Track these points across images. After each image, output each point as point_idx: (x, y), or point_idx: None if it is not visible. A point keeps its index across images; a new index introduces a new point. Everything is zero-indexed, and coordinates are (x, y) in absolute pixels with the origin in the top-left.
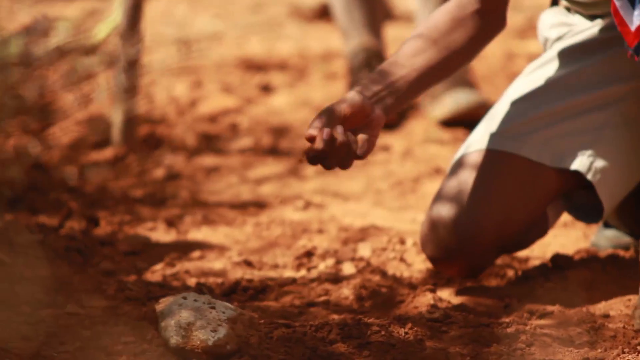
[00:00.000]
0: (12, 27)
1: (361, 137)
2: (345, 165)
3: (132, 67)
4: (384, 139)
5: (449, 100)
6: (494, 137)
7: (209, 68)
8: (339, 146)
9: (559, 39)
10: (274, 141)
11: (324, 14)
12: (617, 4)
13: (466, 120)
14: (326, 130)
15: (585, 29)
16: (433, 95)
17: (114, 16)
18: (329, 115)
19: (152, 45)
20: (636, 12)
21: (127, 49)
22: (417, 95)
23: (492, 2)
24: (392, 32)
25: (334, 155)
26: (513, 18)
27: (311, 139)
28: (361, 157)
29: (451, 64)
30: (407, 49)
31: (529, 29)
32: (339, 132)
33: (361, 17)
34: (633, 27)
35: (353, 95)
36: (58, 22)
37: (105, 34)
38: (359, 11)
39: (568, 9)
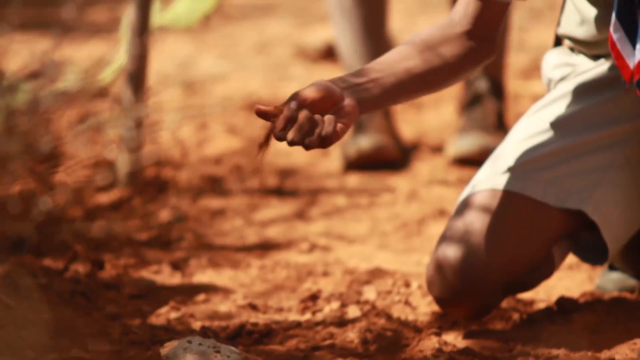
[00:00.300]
0: (19, 71)
1: (328, 117)
2: (310, 143)
3: (138, 109)
4: (389, 180)
5: (465, 140)
6: (498, 177)
7: (214, 109)
8: (302, 122)
9: (562, 79)
10: (279, 183)
11: (329, 54)
12: (614, 37)
13: (480, 161)
14: (288, 107)
15: (588, 69)
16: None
17: (120, 59)
18: (293, 98)
19: (157, 86)
20: (638, 47)
21: (133, 92)
22: (395, 100)
23: (482, 26)
24: None
25: (299, 130)
26: (517, 58)
27: (259, 113)
28: (325, 139)
29: (434, 77)
30: (392, 54)
31: (534, 70)
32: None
33: (368, 57)
34: (632, 63)
35: (321, 81)
36: (65, 66)
37: (112, 78)
38: (365, 53)
39: (572, 49)
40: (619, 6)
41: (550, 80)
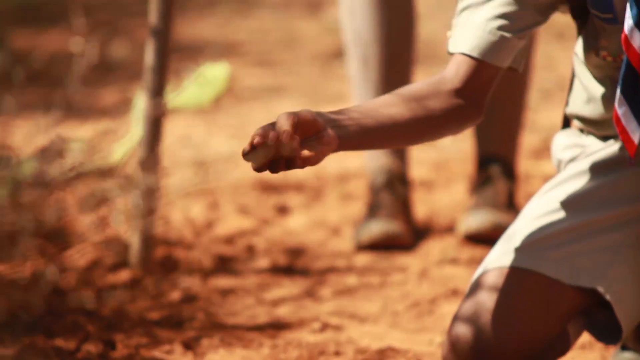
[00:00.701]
0: (27, 148)
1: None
2: (287, 164)
3: (150, 191)
4: (400, 259)
5: (476, 217)
6: (511, 255)
7: (225, 189)
8: (279, 141)
9: (572, 160)
10: (290, 262)
11: None
12: (619, 112)
13: (491, 239)
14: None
15: (598, 149)
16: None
17: (130, 137)
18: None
19: (169, 166)
20: None
21: (145, 174)
22: (374, 144)
23: (473, 87)
24: (411, 153)
25: (276, 150)
26: (528, 139)
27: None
28: (303, 161)
29: (416, 128)
30: (376, 101)
31: (544, 150)
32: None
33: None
34: (636, 138)
35: (305, 110)
36: (72, 143)
37: (121, 156)
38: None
39: (581, 131)
40: (623, 81)
41: (560, 162)
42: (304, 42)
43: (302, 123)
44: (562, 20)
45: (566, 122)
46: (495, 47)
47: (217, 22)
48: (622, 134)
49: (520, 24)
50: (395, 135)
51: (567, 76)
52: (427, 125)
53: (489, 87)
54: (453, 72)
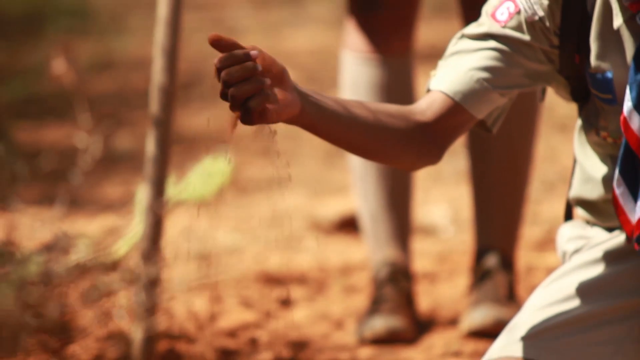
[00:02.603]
0: (32, 244)
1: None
2: (235, 94)
3: (153, 285)
4: (403, 353)
5: (478, 314)
6: (514, 345)
7: (228, 282)
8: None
9: (576, 251)
10: (293, 355)
11: (343, 226)
12: (617, 192)
13: (494, 333)
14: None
15: (602, 241)
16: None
17: (134, 233)
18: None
19: (172, 260)
20: (639, 203)
21: (148, 267)
22: (332, 132)
23: (440, 126)
24: (414, 246)
25: (238, 74)
26: (531, 231)
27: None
28: (260, 114)
29: (375, 135)
30: (348, 99)
31: (548, 242)
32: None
33: (389, 229)
34: (634, 219)
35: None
36: (78, 239)
37: (125, 251)
38: (387, 223)
39: (587, 222)
40: (622, 162)
41: (565, 253)
42: (307, 134)
43: (268, 60)
44: (564, 111)
45: (569, 213)
46: (475, 95)
47: (220, 113)
48: (619, 215)
49: (506, 81)
50: (351, 133)
51: (570, 168)
52: (385, 139)
53: (456, 132)
54: (425, 106)
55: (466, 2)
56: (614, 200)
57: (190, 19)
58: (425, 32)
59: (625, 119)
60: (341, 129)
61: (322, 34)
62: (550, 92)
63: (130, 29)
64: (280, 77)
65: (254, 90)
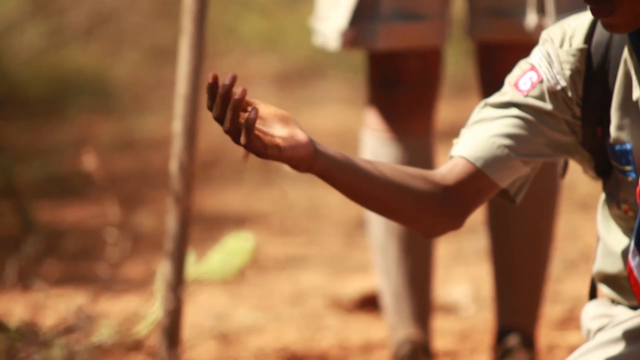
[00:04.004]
0: (54, 326)
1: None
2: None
3: None
4: None
5: None
6: None
7: None
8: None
9: (600, 329)
10: None
11: (364, 304)
12: (632, 263)
13: None
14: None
15: (626, 319)
16: None
17: (155, 313)
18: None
19: (192, 339)
20: None
21: (168, 345)
22: (347, 183)
23: (463, 190)
24: (435, 324)
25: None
26: (552, 309)
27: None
28: (265, 146)
29: (392, 193)
30: (365, 160)
31: (569, 320)
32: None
33: (410, 308)
34: None
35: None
36: (100, 320)
37: (147, 331)
38: (409, 301)
39: (612, 301)
40: (637, 233)
41: (589, 331)
42: (327, 212)
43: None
44: (585, 190)
45: (593, 291)
46: (496, 162)
47: (240, 192)
48: (634, 286)
49: (528, 149)
50: (368, 185)
51: (592, 246)
52: (403, 197)
53: (476, 199)
54: (446, 170)
55: (486, 81)
56: (629, 272)
57: None
58: (445, 111)
59: None
60: (358, 180)
61: (342, 113)
62: (572, 170)
63: (151, 108)
64: (283, 118)
65: (234, 124)
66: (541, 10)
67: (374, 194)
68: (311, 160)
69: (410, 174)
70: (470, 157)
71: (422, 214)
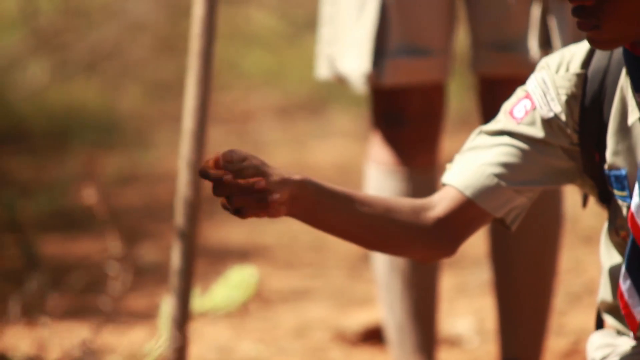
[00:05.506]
0: (57, 357)
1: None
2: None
3: None
4: None
5: None
6: None
7: None
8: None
9: (603, 359)
10: None
11: (368, 337)
12: (623, 287)
13: None
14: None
15: (626, 350)
16: None
17: (159, 347)
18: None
19: None
20: None
21: None
22: (335, 214)
23: (453, 220)
24: (439, 357)
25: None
26: (556, 342)
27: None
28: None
29: (381, 225)
30: (350, 190)
31: (574, 353)
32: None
33: (414, 342)
34: (638, 315)
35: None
36: (105, 354)
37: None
38: (413, 333)
39: (617, 331)
40: (629, 258)
41: None
42: (331, 245)
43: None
44: (588, 223)
45: (599, 322)
46: (486, 191)
47: (244, 225)
48: (624, 309)
49: (521, 177)
50: (356, 218)
51: (596, 279)
52: (393, 229)
53: (469, 227)
54: (437, 200)
55: (488, 114)
56: (619, 296)
57: (215, 132)
58: (449, 145)
59: (632, 214)
60: (345, 209)
61: (346, 146)
62: (574, 204)
63: (156, 142)
64: (259, 171)
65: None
66: (546, 43)
67: (357, 226)
68: (291, 202)
69: (399, 205)
70: (460, 185)
71: (411, 246)
